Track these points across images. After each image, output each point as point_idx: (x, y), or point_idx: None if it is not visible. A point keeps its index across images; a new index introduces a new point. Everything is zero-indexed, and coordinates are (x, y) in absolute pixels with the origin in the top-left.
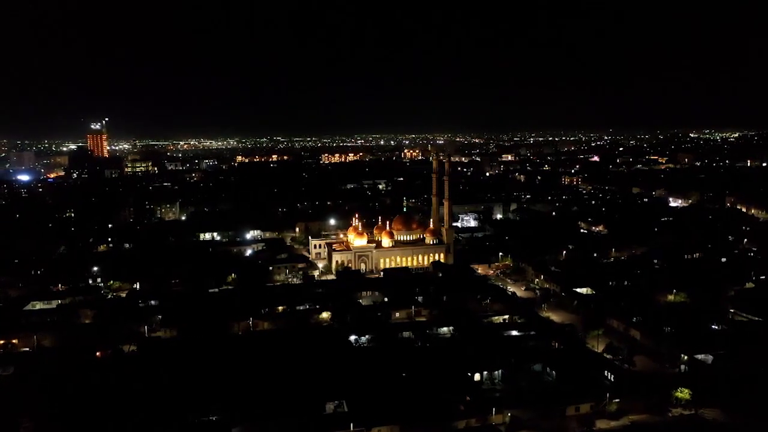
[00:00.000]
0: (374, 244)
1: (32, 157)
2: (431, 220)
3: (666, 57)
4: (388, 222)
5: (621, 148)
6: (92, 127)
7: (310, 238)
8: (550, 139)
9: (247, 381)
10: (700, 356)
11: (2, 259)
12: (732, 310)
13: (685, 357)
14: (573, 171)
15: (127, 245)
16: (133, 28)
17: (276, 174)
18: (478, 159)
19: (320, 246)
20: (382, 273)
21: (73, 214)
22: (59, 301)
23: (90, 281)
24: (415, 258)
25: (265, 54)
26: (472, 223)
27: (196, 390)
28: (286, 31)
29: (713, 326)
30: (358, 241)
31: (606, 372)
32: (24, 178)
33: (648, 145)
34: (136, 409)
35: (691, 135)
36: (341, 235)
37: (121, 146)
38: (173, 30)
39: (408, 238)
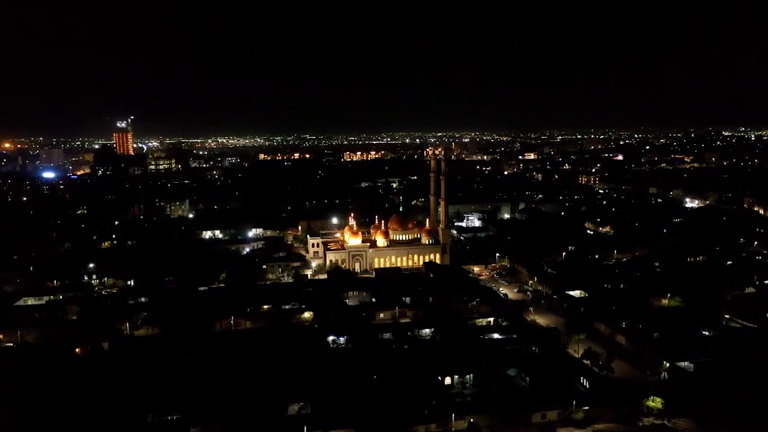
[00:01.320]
0: (369, 244)
1: (61, 155)
2: (427, 219)
3: (702, 54)
4: (383, 222)
5: (647, 147)
6: (118, 125)
7: (308, 236)
8: (578, 137)
9: (216, 380)
10: (682, 364)
11: (2, 254)
12: (727, 316)
13: (667, 364)
14: (593, 170)
15: (130, 242)
16: (170, 32)
17: (290, 172)
18: (506, 157)
19: (317, 245)
20: (374, 273)
21: (85, 211)
22: (49, 297)
23: (86, 278)
24: (410, 258)
25: (296, 54)
26: (477, 223)
27: (164, 388)
28: (321, 32)
29: (704, 332)
30: (352, 240)
31: (582, 378)
32: (49, 175)
33: (678, 144)
34: (99, 407)
35: (725, 133)
36: (338, 234)
37: (151, 144)
38: (208, 32)
39: (404, 238)
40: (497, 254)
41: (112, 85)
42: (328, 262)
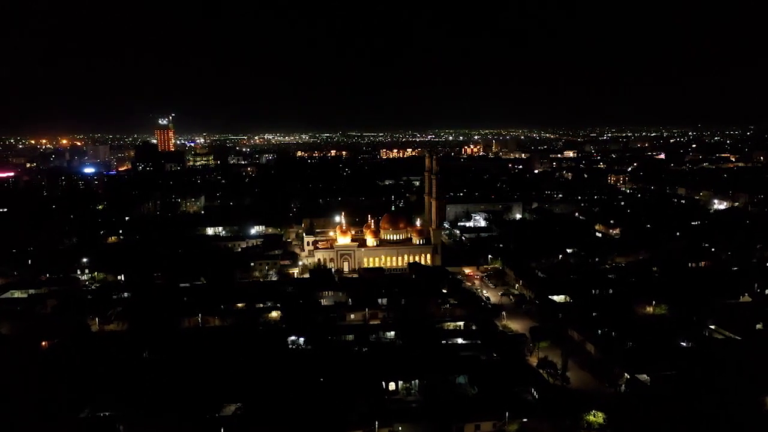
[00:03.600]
0: (357, 243)
1: (107, 151)
2: (418, 219)
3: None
4: (375, 221)
5: (694, 145)
6: (160, 122)
7: (304, 234)
8: (628, 135)
9: (164, 377)
10: (642, 376)
11: (5, 248)
12: (712, 327)
13: (627, 376)
14: (629, 169)
15: (135, 238)
16: (227, 32)
17: (315, 169)
18: (539, 156)
19: (312, 243)
20: (356, 273)
21: (105, 206)
22: (32, 291)
23: (78, 272)
24: (400, 258)
25: (347, 52)
26: (482, 223)
27: (110, 384)
28: (371, 31)
29: (682, 343)
30: (341, 239)
31: (533, 388)
32: (89, 170)
33: (732, 142)
34: (39, 401)
35: None
36: (331, 233)
37: (199, 140)
38: (262, 32)
39: (395, 238)
40: (489, 256)
41: (168, 83)
42: (317, 261)
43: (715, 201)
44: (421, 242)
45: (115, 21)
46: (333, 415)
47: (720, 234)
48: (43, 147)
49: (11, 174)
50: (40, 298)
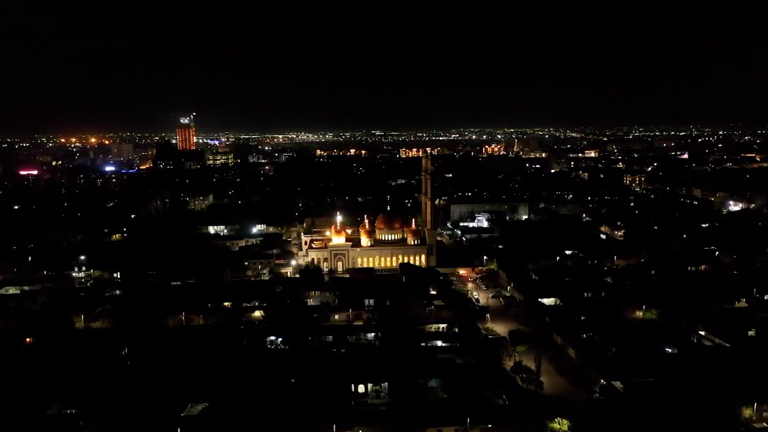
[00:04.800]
0: (351, 243)
1: (130, 149)
2: (413, 219)
3: None
4: (371, 221)
5: (720, 145)
6: (181, 121)
7: (302, 234)
8: (656, 134)
9: (136, 376)
10: (618, 383)
11: (8, 244)
12: (702, 332)
13: (603, 382)
14: (649, 169)
15: (138, 236)
16: (257, 36)
17: (328, 168)
18: (557, 155)
19: (309, 242)
20: (347, 273)
21: (114, 204)
22: (25, 288)
23: (76, 269)
24: (394, 258)
25: (374, 53)
26: (485, 224)
27: (82, 381)
28: (413, 33)
29: (668, 349)
30: (336, 239)
31: (504, 393)
32: (110, 168)
33: (761, 141)
34: (7, 399)
35: None
36: (327, 233)
37: (222, 139)
38: (290, 32)
39: (390, 238)
40: (485, 257)
41: (196, 83)
42: (310, 261)
43: (731, 202)
44: (416, 243)
45: (150, 22)
46: (294, 418)
47: (728, 236)
48: (72, 145)
49: (34, 172)
50: (32, 295)
